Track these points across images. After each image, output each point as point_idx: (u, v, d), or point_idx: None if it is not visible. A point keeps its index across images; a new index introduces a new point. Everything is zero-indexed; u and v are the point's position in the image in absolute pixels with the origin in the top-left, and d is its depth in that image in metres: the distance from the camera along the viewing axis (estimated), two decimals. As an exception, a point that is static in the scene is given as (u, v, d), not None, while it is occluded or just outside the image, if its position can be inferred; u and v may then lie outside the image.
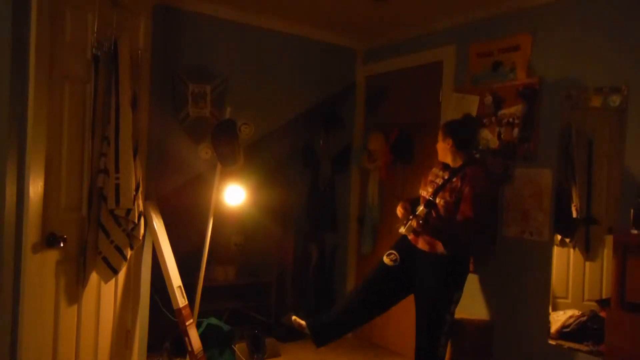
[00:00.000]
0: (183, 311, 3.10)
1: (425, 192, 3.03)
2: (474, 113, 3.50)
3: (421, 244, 2.98)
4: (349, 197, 4.59)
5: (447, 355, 3.19)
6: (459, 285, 2.98)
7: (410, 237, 3.02)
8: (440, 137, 3.05)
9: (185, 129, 3.69)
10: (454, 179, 2.94)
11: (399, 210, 3.04)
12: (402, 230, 2.97)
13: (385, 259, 3.10)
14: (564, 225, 3.06)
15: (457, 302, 2.97)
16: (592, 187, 2.97)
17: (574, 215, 3.04)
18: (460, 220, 2.84)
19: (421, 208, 2.92)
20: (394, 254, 3.08)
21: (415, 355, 3.00)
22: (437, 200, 2.93)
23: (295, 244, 4.77)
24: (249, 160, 3.51)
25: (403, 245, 3.09)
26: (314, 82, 4.28)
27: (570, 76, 3.05)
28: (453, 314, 2.97)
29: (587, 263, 3.01)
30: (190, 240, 3.55)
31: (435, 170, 3.11)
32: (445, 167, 3.06)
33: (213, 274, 4.14)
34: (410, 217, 2.94)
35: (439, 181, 3.00)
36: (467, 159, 3.03)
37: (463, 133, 3.05)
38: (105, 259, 2.53)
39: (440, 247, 2.90)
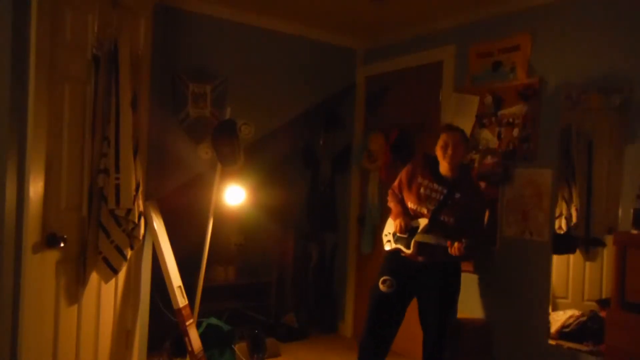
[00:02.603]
0: (183, 311, 3.10)
1: (425, 209, 2.88)
2: (474, 113, 3.50)
3: (422, 258, 2.91)
4: (349, 197, 4.58)
5: (447, 356, 3.20)
6: (459, 288, 2.99)
7: (407, 254, 2.94)
8: (462, 143, 2.88)
9: (185, 129, 3.69)
10: (457, 194, 2.84)
11: (402, 228, 2.90)
12: (405, 251, 2.91)
13: (382, 287, 2.94)
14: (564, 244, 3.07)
15: (457, 303, 2.99)
16: (592, 187, 2.97)
17: (574, 220, 3.04)
18: (477, 230, 2.86)
19: (424, 224, 2.85)
20: (389, 279, 2.93)
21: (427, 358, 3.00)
22: (446, 219, 2.82)
23: (295, 244, 4.77)
24: (249, 160, 3.51)
25: (395, 265, 2.99)
26: (314, 82, 4.28)
27: (570, 76, 3.05)
28: (455, 313, 3.00)
29: (587, 263, 3.01)
30: (190, 240, 3.54)
31: (424, 182, 2.92)
32: (437, 178, 2.91)
33: (213, 274, 4.14)
34: (406, 235, 2.89)
35: (437, 196, 2.86)
36: (462, 168, 2.99)
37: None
38: (105, 259, 2.53)
39: (440, 256, 2.85)
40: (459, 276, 3.00)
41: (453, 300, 2.96)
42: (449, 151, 2.85)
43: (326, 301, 4.69)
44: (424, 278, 2.93)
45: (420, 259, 2.91)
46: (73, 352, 2.49)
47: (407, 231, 2.90)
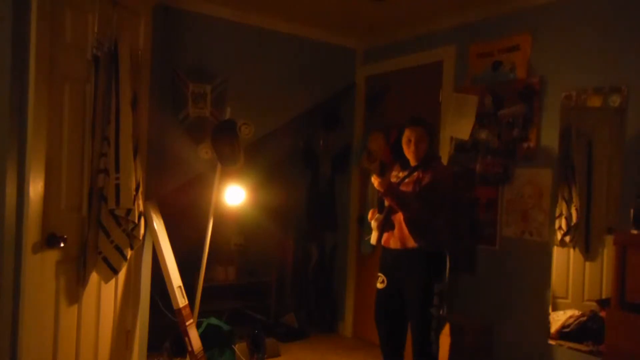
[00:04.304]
0: (183, 311, 3.10)
1: None
2: (473, 113, 3.50)
3: (393, 244, 3.02)
4: (349, 197, 4.59)
5: (447, 356, 3.20)
6: (438, 278, 2.93)
7: (383, 241, 3.09)
8: (425, 137, 3.02)
9: (185, 129, 3.69)
10: (415, 172, 3.00)
11: (369, 215, 3.13)
12: (373, 237, 3.08)
13: (378, 285, 3.13)
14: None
15: (439, 295, 2.91)
16: (592, 187, 2.97)
17: (574, 220, 3.04)
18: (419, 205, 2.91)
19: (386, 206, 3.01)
20: (381, 276, 3.11)
21: (412, 354, 3.01)
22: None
23: (295, 243, 4.77)
24: (249, 160, 3.51)
25: (383, 260, 3.14)
26: (314, 82, 4.28)
27: (570, 76, 3.05)
28: (439, 307, 2.92)
29: (587, 263, 3.01)
30: (190, 240, 3.55)
31: (395, 172, 3.14)
32: (404, 167, 3.10)
33: (213, 274, 4.14)
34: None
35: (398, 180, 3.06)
36: (430, 157, 3.08)
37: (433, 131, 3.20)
38: (105, 259, 2.53)
39: (410, 242, 2.93)
40: (437, 266, 2.96)
41: (431, 291, 2.91)
42: (412, 146, 3.02)
43: (326, 301, 4.69)
44: (403, 268, 2.99)
45: (391, 244, 3.03)
46: (73, 352, 2.49)
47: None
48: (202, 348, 3.18)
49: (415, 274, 2.94)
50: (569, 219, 3.04)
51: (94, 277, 2.56)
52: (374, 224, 3.11)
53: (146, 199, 2.95)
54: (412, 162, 3.06)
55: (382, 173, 2.97)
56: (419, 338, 2.95)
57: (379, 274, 3.12)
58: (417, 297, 2.93)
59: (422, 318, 2.92)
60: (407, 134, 3.04)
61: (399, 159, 4.06)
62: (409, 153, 3.05)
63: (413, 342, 2.98)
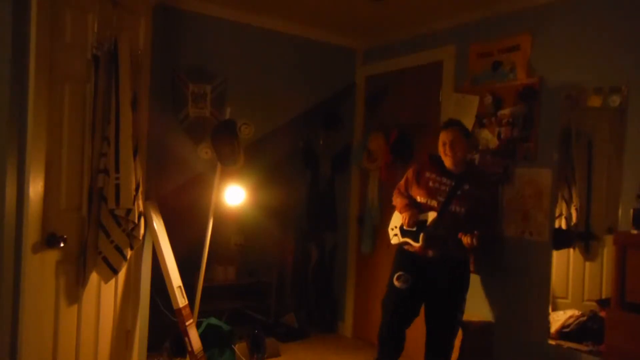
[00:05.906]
0: (183, 311, 3.10)
1: (435, 202, 2.91)
2: (473, 113, 3.50)
3: (431, 252, 2.93)
4: (349, 197, 4.58)
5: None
6: (467, 284, 3.02)
7: (415, 248, 2.96)
8: (461, 138, 2.92)
9: (185, 129, 3.69)
10: (465, 186, 2.89)
11: (409, 221, 2.89)
12: (414, 245, 2.92)
13: (396, 283, 2.97)
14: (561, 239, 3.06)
15: (465, 300, 3.02)
16: (592, 187, 2.97)
17: (574, 220, 3.04)
18: (489, 224, 2.91)
19: (433, 217, 2.86)
20: (403, 275, 2.96)
21: (431, 357, 3.02)
22: (457, 209, 2.86)
23: (295, 244, 4.77)
24: (249, 160, 3.51)
25: (406, 260, 3.01)
26: (314, 82, 4.28)
27: (570, 76, 3.04)
28: (463, 312, 3.02)
29: (587, 263, 3.01)
30: (190, 240, 3.55)
31: (432, 175, 2.96)
32: (444, 172, 2.95)
33: (213, 274, 4.14)
34: (414, 228, 2.91)
35: (446, 188, 2.90)
36: (468, 162, 3.05)
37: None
38: (105, 259, 2.53)
39: (450, 250, 2.88)
40: (469, 272, 3.03)
41: (463, 297, 2.99)
42: (448, 148, 2.92)
43: (326, 301, 4.69)
44: (433, 273, 2.95)
45: (430, 253, 2.93)
46: (73, 352, 2.49)
47: (415, 224, 2.91)
48: (202, 348, 3.19)
49: (451, 282, 2.94)
50: (568, 219, 3.04)
51: (94, 277, 2.56)
52: (404, 228, 2.96)
53: (146, 199, 2.95)
54: (449, 165, 2.94)
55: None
56: (445, 341, 2.97)
57: (400, 273, 2.95)
58: (451, 304, 2.95)
59: (454, 322, 2.97)
60: (441, 138, 2.94)
61: (399, 159, 4.07)
62: (445, 157, 2.93)
63: (436, 344, 2.99)
